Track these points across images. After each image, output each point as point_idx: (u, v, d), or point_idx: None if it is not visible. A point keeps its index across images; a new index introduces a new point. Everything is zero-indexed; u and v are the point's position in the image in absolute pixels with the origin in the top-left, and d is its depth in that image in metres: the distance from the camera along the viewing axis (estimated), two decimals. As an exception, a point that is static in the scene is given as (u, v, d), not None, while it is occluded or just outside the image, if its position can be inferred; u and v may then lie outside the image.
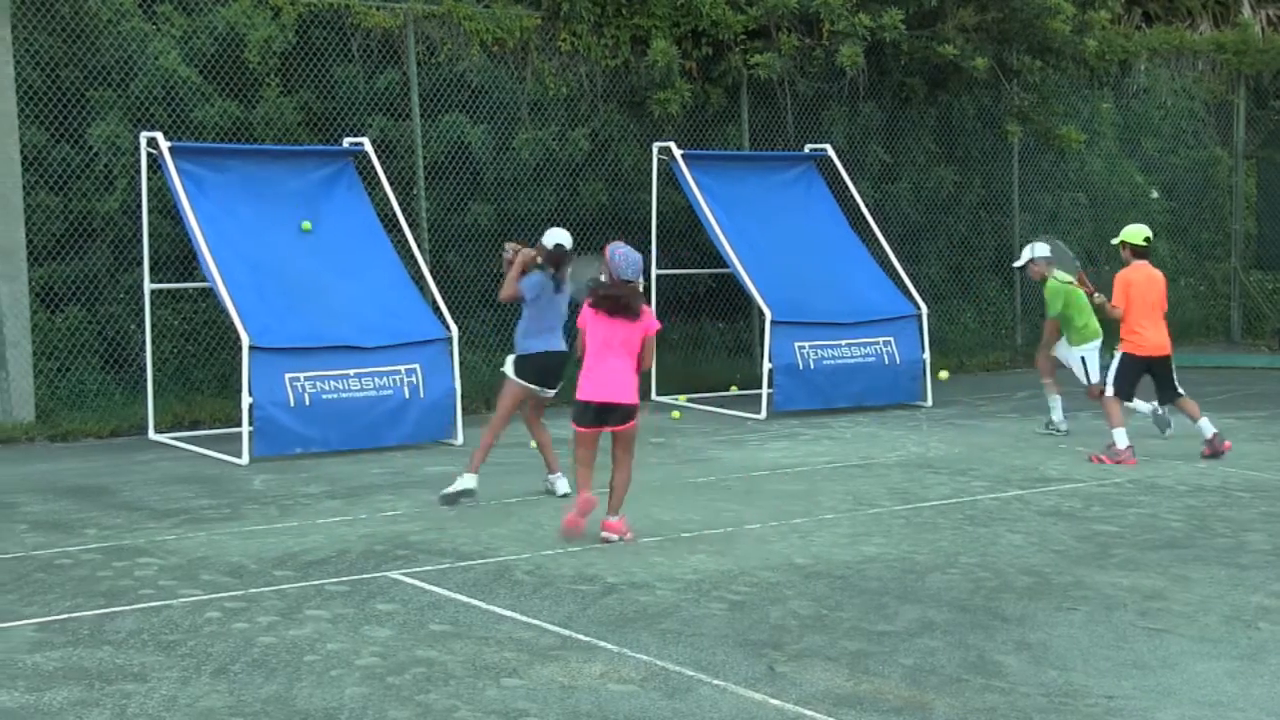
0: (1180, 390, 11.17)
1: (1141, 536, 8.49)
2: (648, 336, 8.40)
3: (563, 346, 9.45)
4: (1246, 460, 11.04)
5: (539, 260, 9.44)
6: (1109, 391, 11.06)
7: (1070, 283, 11.89)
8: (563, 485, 9.62)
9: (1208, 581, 7.44)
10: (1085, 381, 12.07)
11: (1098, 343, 12.13)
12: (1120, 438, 10.94)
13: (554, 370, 9.46)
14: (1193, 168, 20.57)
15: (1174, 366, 11.21)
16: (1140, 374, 11.07)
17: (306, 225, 12.16)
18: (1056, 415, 12.33)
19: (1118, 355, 11.07)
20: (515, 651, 6.23)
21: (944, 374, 14.05)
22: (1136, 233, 11.11)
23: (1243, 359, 18.27)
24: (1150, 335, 10.96)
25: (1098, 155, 19.48)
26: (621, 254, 8.35)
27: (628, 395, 8.30)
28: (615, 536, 8.29)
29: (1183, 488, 9.97)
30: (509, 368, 9.47)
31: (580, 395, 8.36)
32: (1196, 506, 9.33)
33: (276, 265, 12.01)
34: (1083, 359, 12.09)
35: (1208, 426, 11.08)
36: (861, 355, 14.02)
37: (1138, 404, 11.89)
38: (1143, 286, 10.95)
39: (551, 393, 9.55)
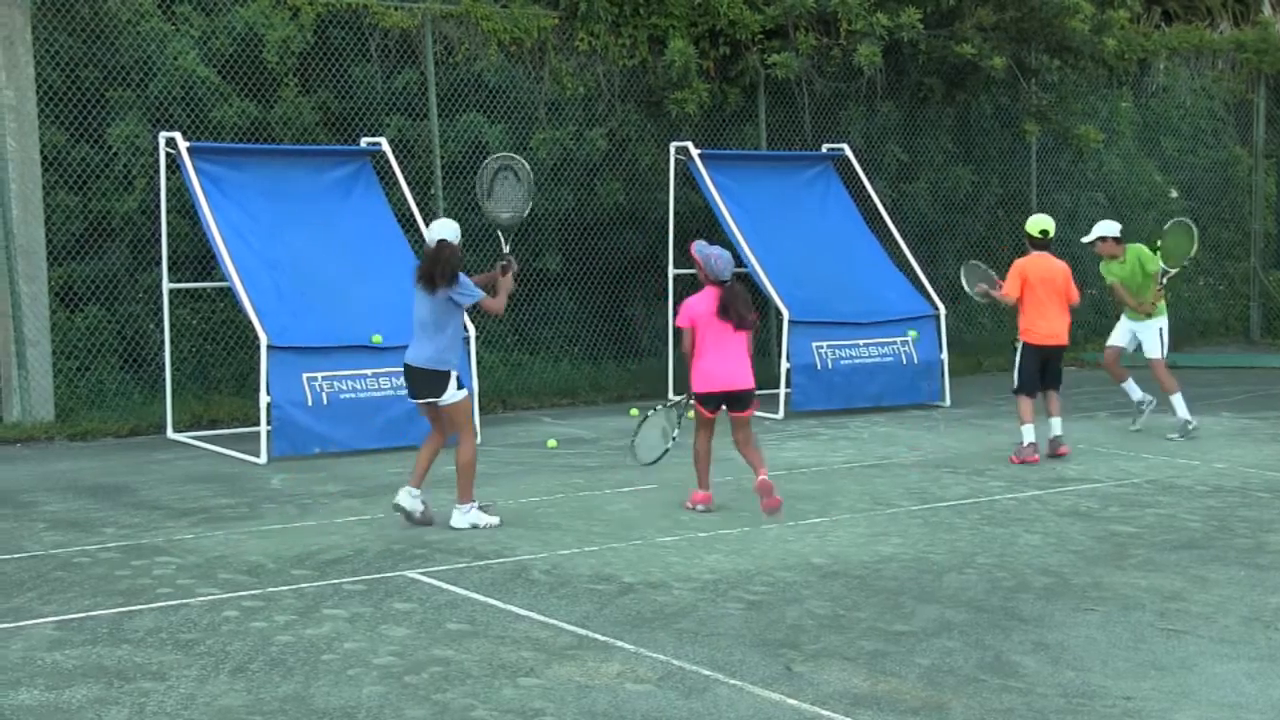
0: (1057, 386, 11.32)
1: (1160, 537, 8.46)
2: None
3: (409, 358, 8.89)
4: (1267, 460, 10.99)
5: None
6: (1014, 388, 11.25)
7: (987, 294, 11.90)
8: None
9: (1227, 582, 7.41)
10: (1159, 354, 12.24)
11: (1159, 320, 12.23)
12: (1026, 433, 10.98)
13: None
14: (1212, 167, 20.49)
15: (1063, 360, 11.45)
16: (1038, 364, 11.16)
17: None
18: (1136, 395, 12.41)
19: (1020, 345, 11.23)
20: (532, 651, 6.24)
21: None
22: (1034, 224, 11.22)
23: (1262, 359, 18.18)
24: (1041, 325, 11.06)
25: (1116, 155, 19.41)
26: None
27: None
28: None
29: (1202, 488, 9.93)
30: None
31: None
32: (1216, 507, 9.29)
33: (294, 265, 12.04)
34: (1160, 330, 12.25)
35: (1057, 426, 11.18)
36: (879, 355, 14.00)
37: (1130, 388, 12.20)
38: (1034, 276, 11.03)
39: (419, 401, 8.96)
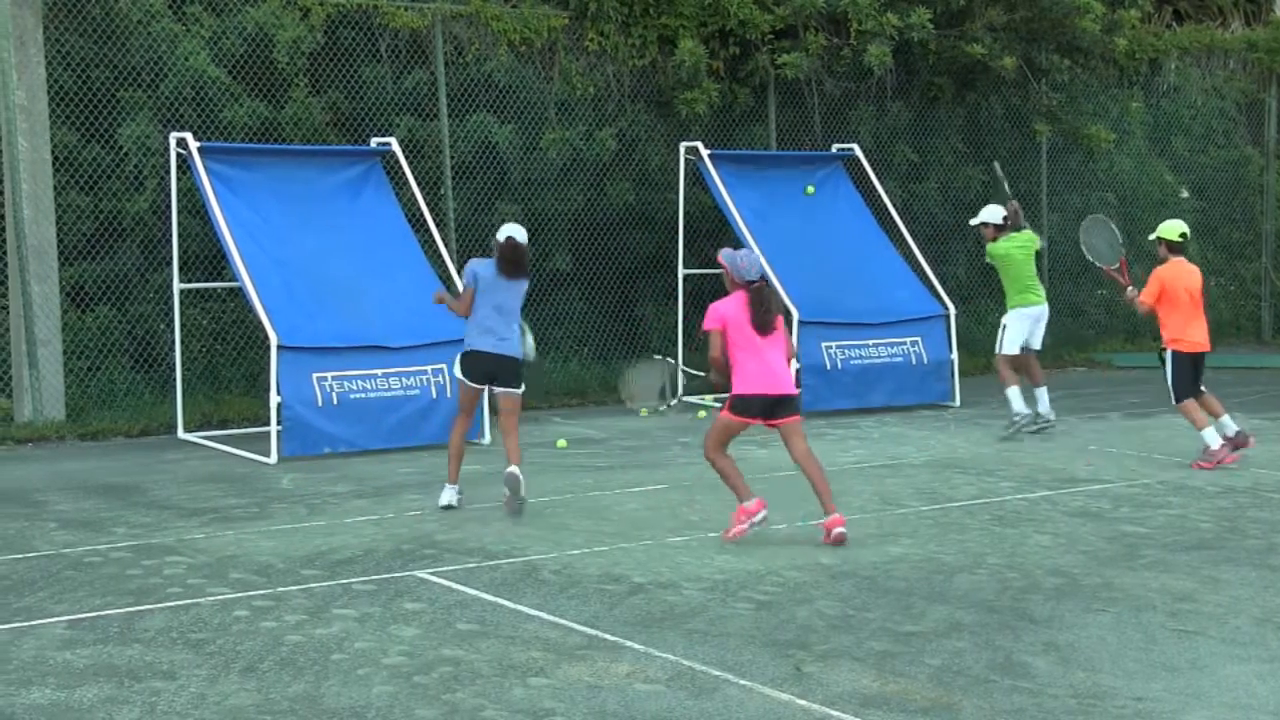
0: (1203, 388, 10.99)
1: (1171, 538, 8.44)
2: None
3: (485, 347, 9.14)
4: (1278, 461, 10.96)
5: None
6: (1174, 399, 10.82)
7: (1114, 266, 11.83)
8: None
9: (1238, 583, 7.40)
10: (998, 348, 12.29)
11: (1025, 312, 12.18)
12: (1210, 438, 10.67)
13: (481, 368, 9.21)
14: (1223, 167, 20.44)
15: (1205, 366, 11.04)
16: (1191, 370, 10.76)
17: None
18: (1042, 407, 12.28)
19: (1169, 355, 10.81)
20: (542, 651, 6.24)
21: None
22: (1172, 229, 10.91)
23: (1273, 359, 18.14)
24: (1190, 332, 10.79)
25: (1127, 155, 19.37)
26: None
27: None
28: None
29: (1213, 489, 9.91)
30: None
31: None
32: (1226, 508, 9.28)
33: (304, 265, 12.06)
34: (1004, 325, 12.27)
35: (1230, 422, 10.80)
36: (889, 355, 13.99)
37: (1012, 399, 11.98)
38: (1175, 283, 10.78)
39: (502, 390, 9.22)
